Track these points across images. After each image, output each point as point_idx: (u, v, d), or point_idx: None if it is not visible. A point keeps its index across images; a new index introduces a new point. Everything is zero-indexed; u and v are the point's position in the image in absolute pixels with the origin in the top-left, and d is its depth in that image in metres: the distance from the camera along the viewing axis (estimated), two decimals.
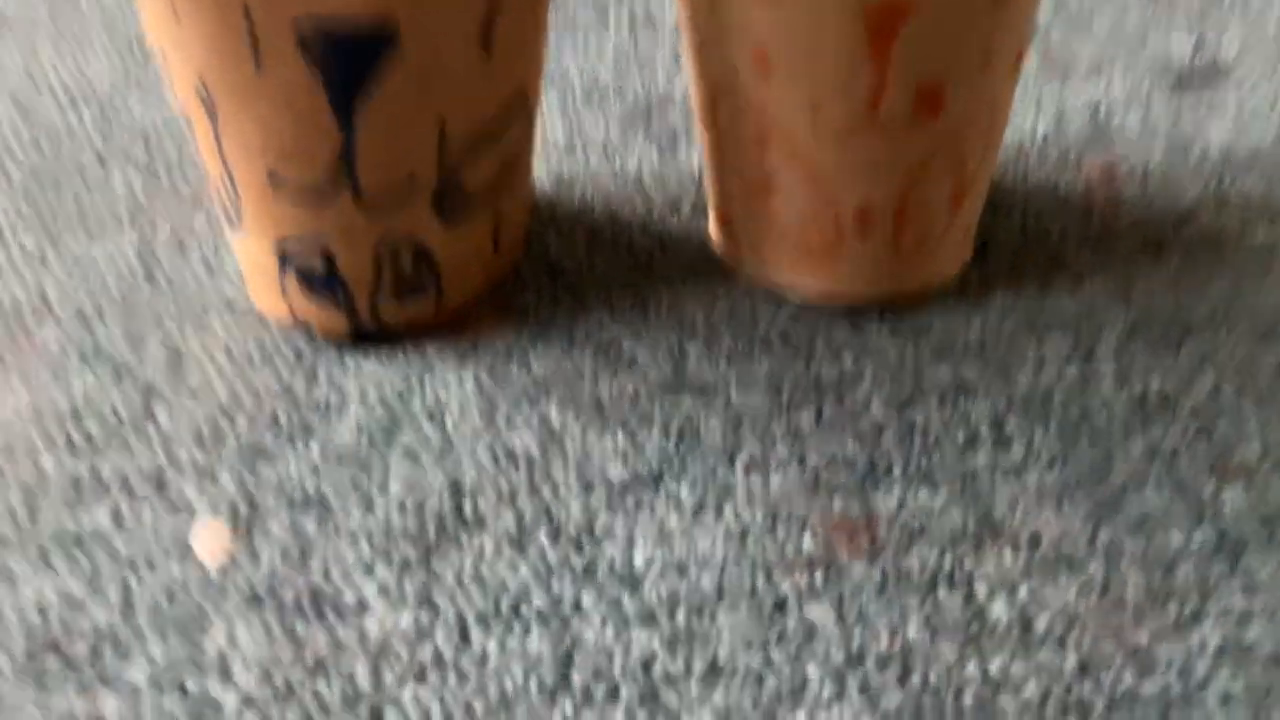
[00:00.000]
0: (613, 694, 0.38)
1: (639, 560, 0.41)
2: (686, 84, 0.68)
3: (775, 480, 0.44)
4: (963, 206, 0.49)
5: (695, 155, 0.62)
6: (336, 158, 0.44)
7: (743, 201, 0.50)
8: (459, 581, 0.41)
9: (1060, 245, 0.55)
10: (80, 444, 0.46)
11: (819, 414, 0.47)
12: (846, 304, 0.51)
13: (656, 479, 0.44)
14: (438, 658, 0.39)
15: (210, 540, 0.42)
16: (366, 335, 0.50)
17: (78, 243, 0.56)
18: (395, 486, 0.44)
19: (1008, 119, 0.49)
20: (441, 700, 0.38)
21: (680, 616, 0.40)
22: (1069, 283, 0.53)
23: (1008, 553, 0.42)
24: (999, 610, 0.40)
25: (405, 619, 0.40)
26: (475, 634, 0.39)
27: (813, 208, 0.48)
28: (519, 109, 0.48)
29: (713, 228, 0.55)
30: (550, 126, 0.64)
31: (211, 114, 0.43)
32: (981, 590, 0.40)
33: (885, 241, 0.49)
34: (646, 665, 0.38)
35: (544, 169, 0.60)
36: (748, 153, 0.48)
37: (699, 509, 0.43)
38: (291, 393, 0.48)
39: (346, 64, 0.41)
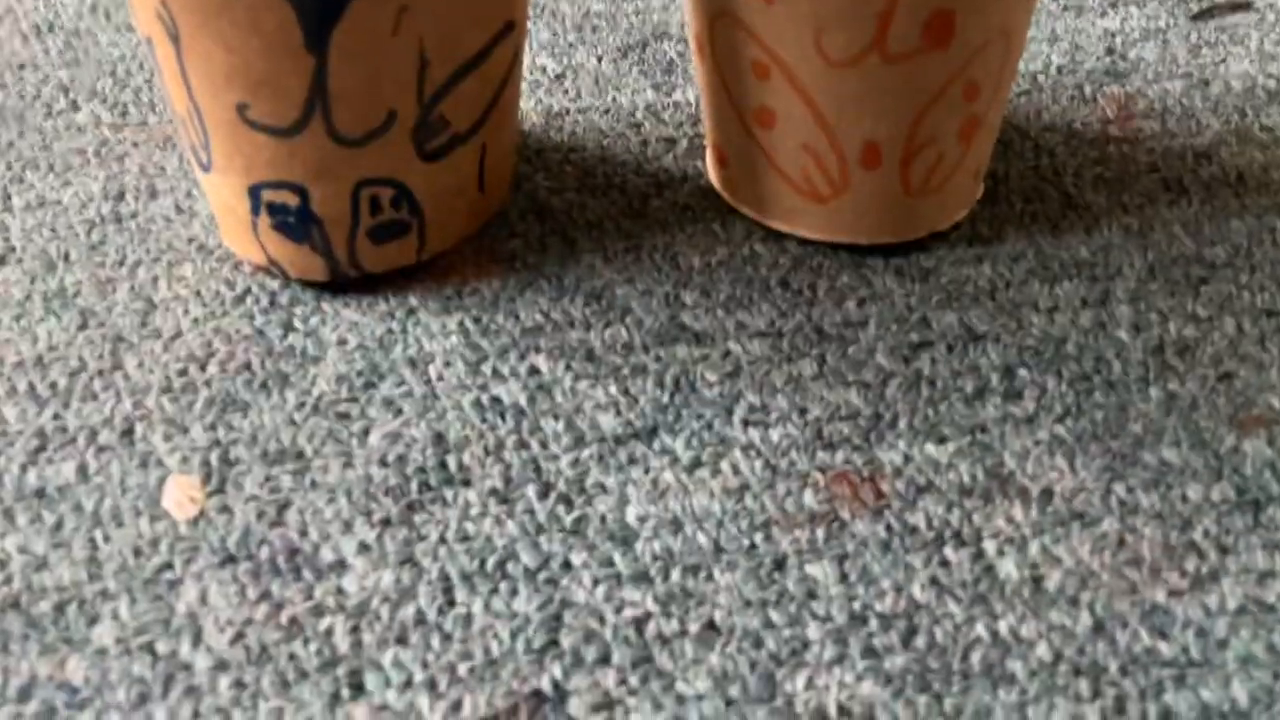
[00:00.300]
0: (604, 656, 0.36)
1: (632, 517, 0.39)
2: (683, 13, 0.64)
3: (775, 433, 0.42)
4: (973, 144, 0.47)
5: (692, 90, 0.59)
6: (308, 88, 0.41)
7: (740, 137, 0.48)
8: (443, 539, 0.39)
9: (1074, 184, 0.52)
10: (44, 394, 0.43)
11: (821, 363, 0.44)
12: (848, 246, 0.49)
13: (651, 432, 0.42)
14: (420, 618, 0.37)
15: (181, 495, 0.40)
16: (344, 280, 0.47)
17: (42, 182, 0.53)
18: (375, 439, 0.42)
19: (1022, 51, 0.47)
20: (424, 663, 0.36)
21: (675, 576, 0.38)
22: (1083, 224, 0.50)
23: (1018, 508, 0.40)
24: (1009, 568, 0.38)
25: (386, 578, 0.38)
26: (460, 594, 0.37)
27: (814, 143, 0.46)
28: (505, 38, 0.45)
29: (710, 166, 0.52)
30: (538, 58, 0.61)
31: (174, 38, 0.41)
32: (990, 547, 0.39)
33: (891, 180, 0.46)
34: (639, 626, 0.37)
35: (531, 104, 0.57)
36: (746, 84, 0.46)
37: (695, 463, 0.41)
38: (266, 340, 0.45)
39: None
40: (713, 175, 0.52)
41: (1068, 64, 0.60)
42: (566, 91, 0.58)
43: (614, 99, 0.58)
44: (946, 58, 0.43)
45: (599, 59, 0.61)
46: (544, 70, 0.60)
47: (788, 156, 0.47)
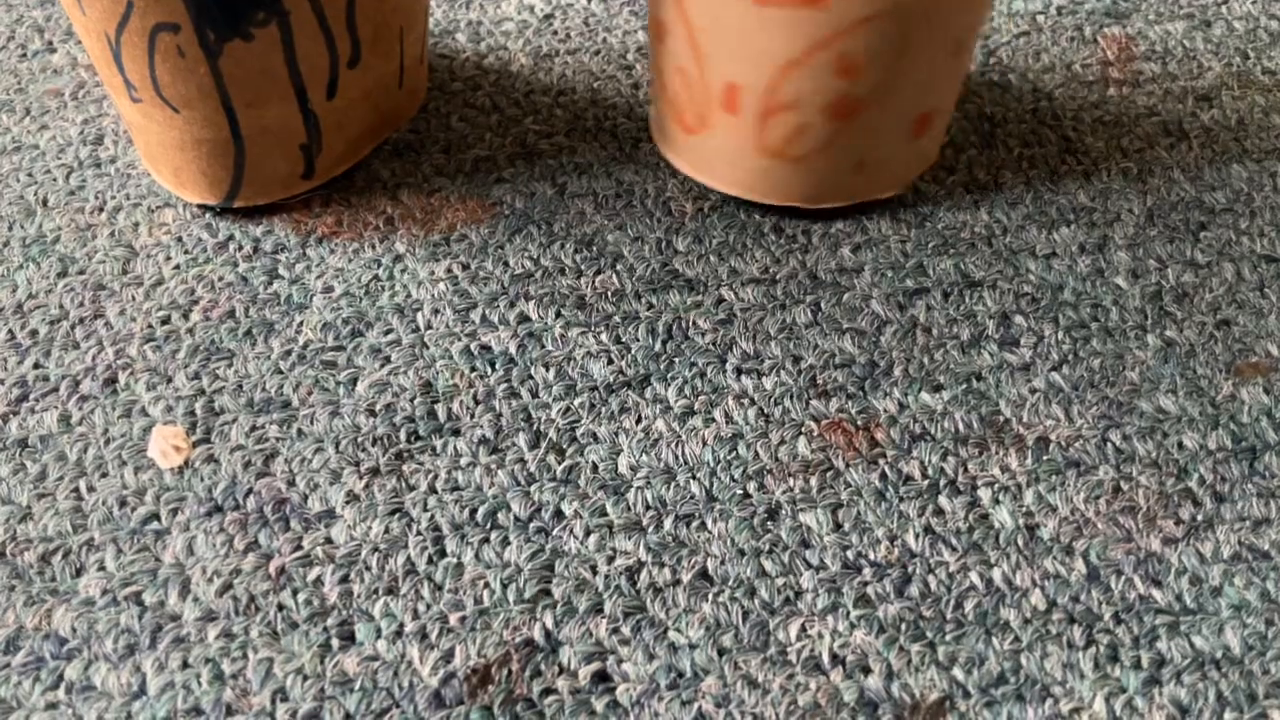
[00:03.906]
0: (596, 606, 0.36)
1: (624, 466, 0.39)
2: None
3: (768, 381, 0.41)
4: (851, 130, 0.44)
5: None
6: None
7: (651, 58, 0.47)
8: (432, 489, 0.38)
9: (1073, 128, 0.51)
10: (24, 342, 0.43)
11: (815, 310, 0.44)
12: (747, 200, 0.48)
13: (642, 380, 0.42)
14: (410, 568, 0.36)
15: (166, 445, 0.39)
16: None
17: (18, 126, 0.52)
18: (363, 388, 0.41)
19: (953, 58, 0.43)
20: (415, 613, 0.35)
21: (667, 525, 0.38)
22: (1082, 169, 0.49)
23: (1014, 456, 0.39)
24: (1004, 516, 0.38)
25: (375, 528, 0.37)
26: (450, 544, 0.37)
27: (688, 67, 0.44)
28: None
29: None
30: None
31: None
32: (985, 496, 0.38)
33: (746, 131, 0.44)
34: (632, 576, 0.36)
35: (520, 44, 0.56)
36: (655, 22, 0.45)
37: (688, 412, 0.41)
38: (250, 288, 0.44)
39: None
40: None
41: (1067, 4, 0.58)
42: (556, 33, 0.57)
43: (604, 40, 0.56)
44: (818, 19, 0.41)
45: None
46: (532, 10, 0.58)
47: (669, 77, 0.45)
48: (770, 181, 0.46)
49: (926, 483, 0.39)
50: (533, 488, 0.38)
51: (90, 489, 0.38)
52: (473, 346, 0.42)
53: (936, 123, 0.46)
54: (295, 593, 0.36)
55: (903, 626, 0.35)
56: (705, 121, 0.45)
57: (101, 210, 0.48)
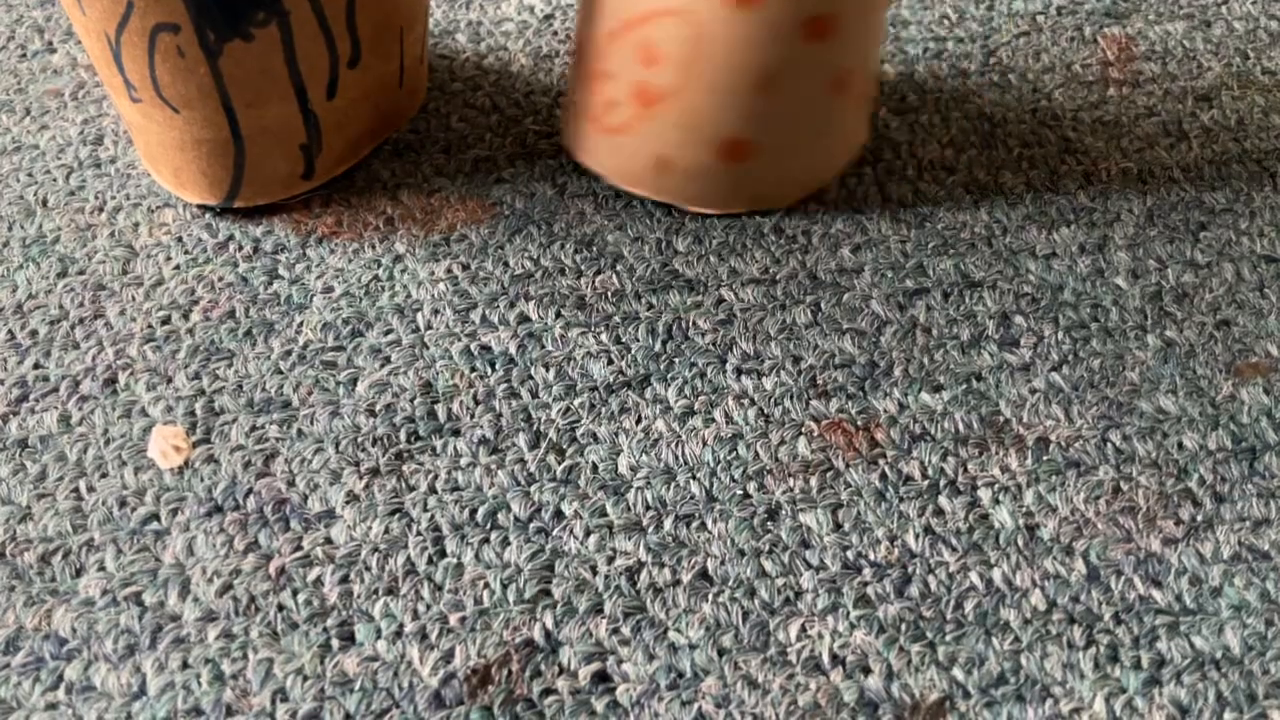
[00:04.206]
0: (596, 606, 0.36)
1: (624, 466, 0.39)
2: None
3: (768, 381, 0.41)
4: (652, 116, 0.44)
5: None
6: None
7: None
8: (432, 489, 0.38)
9: (1073, 128, 0.51)
10: (24, 343, 0.43)
11: (815, 311, 0.44)
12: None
13: (643, 381, 0.42)
14: (410, 568, 0.36)
15: (166, 445, 0.39)
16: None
17: (18, 126, 0.52)
18: (363, 388, 0.41)
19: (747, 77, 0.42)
20: (415, 613, 0.35)
21: (667, 525, 0.38)
22: (1082, 169, 0.49)
23: (1014, 456, 0.39)
24: (1004, 517, 0.38)
25: (375, 528, 0.37)
26: (450, 544, 0.37)
27: (585, 85, 0.45)
28: None
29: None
30: None
31: None
32: (985, 496, 0.38)
33: (584, 98, 0.46)
34: (632, 576, 0.36)
35: (520, 45, 0.56)
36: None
37: (688, 412, 0.41)
38: (250, 288, 0.44)
39: None
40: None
41: (1067, 4, 0.58)
42: (556, 33, 0.57)
43: None
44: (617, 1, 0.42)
45: None
46: (532, 10, 0.58)
47: (577, 94, 0.47)
48: (596, 149, 0.47)
49: (926, 483, 0.39)
50: (533, 488, 0.38)
51: (90, 489, 0.38)
52: (473, 347, 0.42)
53: (759, 157, 0.45)
54: (295, 593, 0.36)
55: (903, 627, 0.35)
56: (571, 86, 0.47)
57: (101, 210, 0.48)
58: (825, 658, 0.35)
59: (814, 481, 0.39)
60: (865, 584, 0.36)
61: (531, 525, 0.37)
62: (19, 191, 0.49)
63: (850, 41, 0.42)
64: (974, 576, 0.36)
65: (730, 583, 0.36)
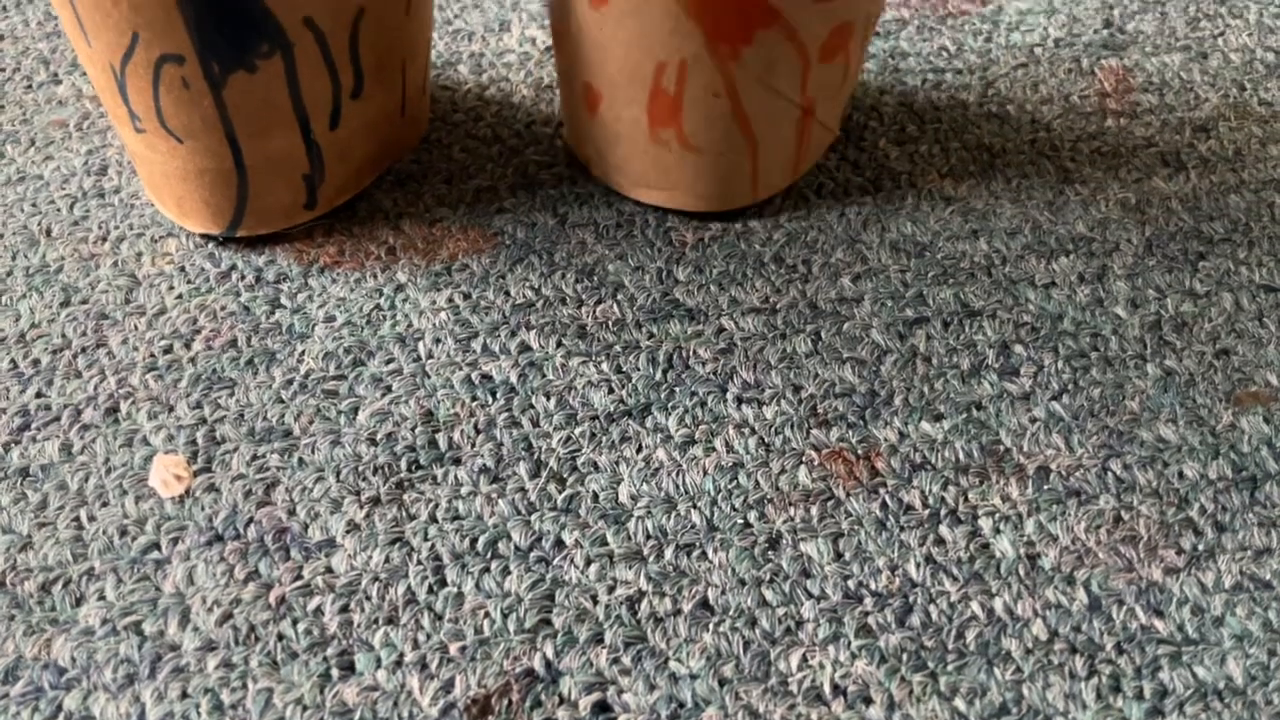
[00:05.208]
0: (597, 636, 0.35)
1: (625, 495, 0.39)
2: None
3: (769, 410, 0.42)
4: (406, 80, 0.47)
5: None
6: None
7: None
8: (433, 518, 0.38)
9: (1071, 159, 0.52)
10: (27, 372, 0.43)
11: (816, 340, 0.44)
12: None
13: (643, 410, 0.42)
14: (410, 598, 0.36)
15: (167, 474, 0.40)
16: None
17: (23, 156, 0.52)
18: (364, 417, 0.41)
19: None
20: (415, 643, 0.35)
21: (668, 554, 0.37)
22: (1080, 199, 0.50)
23: (1014, 485, 0.39)
24: (1005, 546, 0.38)
25: (376, 557, 0.37)
26: (450, 573, 0.37)
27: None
28: None
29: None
30: (527, 30, 0.60)
31: None
32: (986, 525, 0.38)
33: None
34: (633, 605, 0.36)
35: (521, 75, 0.57)
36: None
37: (688, 441, 0.41)
38: (252, 317, 0.45)
39: None
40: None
41: (1065, 36, 0.59)
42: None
43: None
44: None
45: None
46: (534, 42, 0.59)
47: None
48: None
49: (927, 512, 0.39)
50: (533, 517, 0.38)
51: (91, 518, 0.38)
52: (474, 376, 0.43)
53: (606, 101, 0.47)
54: (295, 622, 0.36)
55: (904, 657, 0.35)
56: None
57: (105, 240, 0.48)
58: (827, 688, 0.34)
59: (815, 510, 0.39)
60: (866, 613, 0.36)
61: (532, 554, 0.37)
62: (23, 221, 0.49)
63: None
64: (975, 606, 0.36)
65: (731, 612, 0.36)
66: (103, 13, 0.40)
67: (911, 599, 0.36)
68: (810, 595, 0.36)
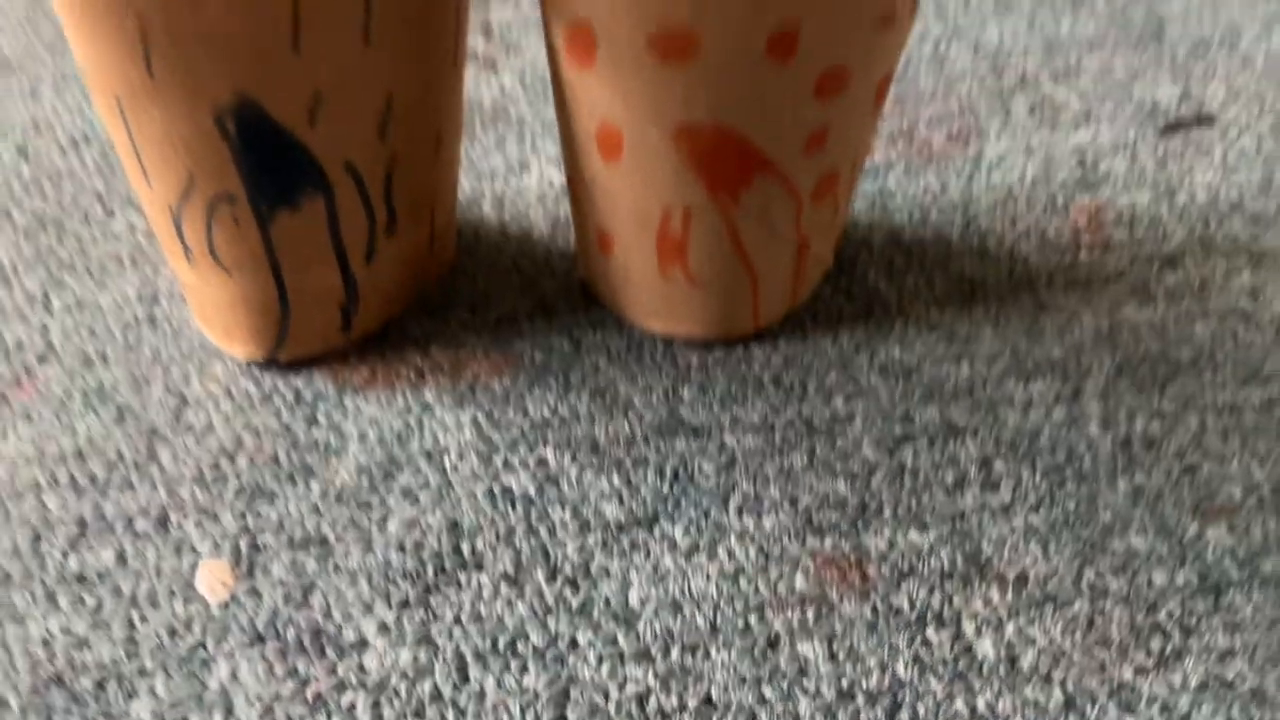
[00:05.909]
0: None
1: (634, 599, 0.42)
2: None
3: (768, 520, 0.45)
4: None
5: None
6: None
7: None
8: (457, 619, 0.42)
9: (1047, 289, 0.56)
10: (84, 484, 0.47)
11: (811, 455, 0.47)
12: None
13: (652, 519, 0.45)
14: (436, 694, 0.39)
15: (213, 579, 0.43)
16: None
17: (80, 285, 0.57)
18: (394, 526, 0.45)
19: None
20: None
21: (674, 654, 0.40)
22: (1056, 326, 0.54)
23: (995, 591, 0.42)
24: (986, 647, 0.41)
25: (404, 656, 0.40)
26: (473, 671, 0.40)
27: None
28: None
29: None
30: (546, 171, 0.65)
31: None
32: (969, 628, 0.41)
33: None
34: (641, 701, 0.39)
35: (540, 212, 0.61)
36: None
37: (693, 549, 0.44)
38: (291, 433, 0.48)
39: None
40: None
41: (1041, 175, 0.64)
42: None
43: None
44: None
45: None
46: (551, 183, 0.64)
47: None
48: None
49: (915, 615, 0.42)
50: (550, 619, 0.41)
51: (143, 619, 0.42)
52: (495, 488, 0.46)
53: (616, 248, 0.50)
54: (330, 716, 0.39)
55: None
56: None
57: (156, 363, 0.52)
58: None
59: (810, 613, 0.42)
60: (858, 711, 0.39)
61: (549, 653, 0.40)
62: (80, 345, 0.53)
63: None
64: (959, 704, 0.39)
65: (733, 708, 0.39)
66: (164, 158, 0.44)
67: (900, 697, 0.39)
68: (806, 692, 0.39)
